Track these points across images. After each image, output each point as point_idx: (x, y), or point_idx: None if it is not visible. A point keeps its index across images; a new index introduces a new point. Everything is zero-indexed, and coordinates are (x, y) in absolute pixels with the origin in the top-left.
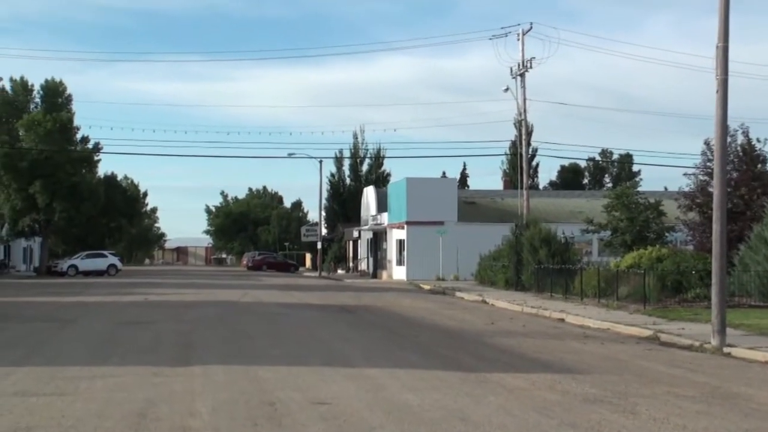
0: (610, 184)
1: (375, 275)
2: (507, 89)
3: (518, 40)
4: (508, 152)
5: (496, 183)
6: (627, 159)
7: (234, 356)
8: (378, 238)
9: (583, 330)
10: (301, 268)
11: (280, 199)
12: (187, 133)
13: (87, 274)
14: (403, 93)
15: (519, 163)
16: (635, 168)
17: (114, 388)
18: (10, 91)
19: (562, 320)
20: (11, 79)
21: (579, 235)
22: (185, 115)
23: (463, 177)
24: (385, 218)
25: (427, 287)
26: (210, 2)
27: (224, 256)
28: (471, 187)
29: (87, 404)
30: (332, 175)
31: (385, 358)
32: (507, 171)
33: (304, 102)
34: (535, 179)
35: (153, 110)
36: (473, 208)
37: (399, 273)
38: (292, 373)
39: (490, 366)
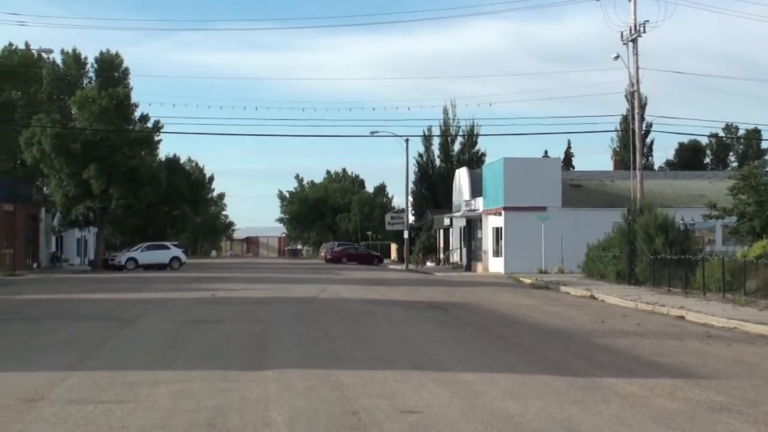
0: (735, 164)
1: (469, 268)
2: (617, 57)
3: (629, 0)
4: (618, 128)
5: (605, 163)
6: (755, 135)
7: (312, 359)
8: (472, 226)
9: (706, 329)
10: (385, 260)
11: (361, 183)
12: (258, 110)
13: (147, 267)
14: (498, 63)
15: (631, 141)
16: (764, 145)
17: (179, 395)
18: (61, 66)
19: (682, 318)
20: (62, 52)
21: (700, 222)
22: (255, 89)
23: (568, 156)
24: (479, 203)
25: (527, 281)
26: None
27: (299, 247)
28: (576, 168)
29: (149, 413)
30: (420, 155)
31: (481, 361)
32: (617, 149)
33: (387, 74)
34: (650, 158)
35: (219, 85)
36: (579, 191)
37: (496, 265)
38: (377, 378)
39: (600, 370)
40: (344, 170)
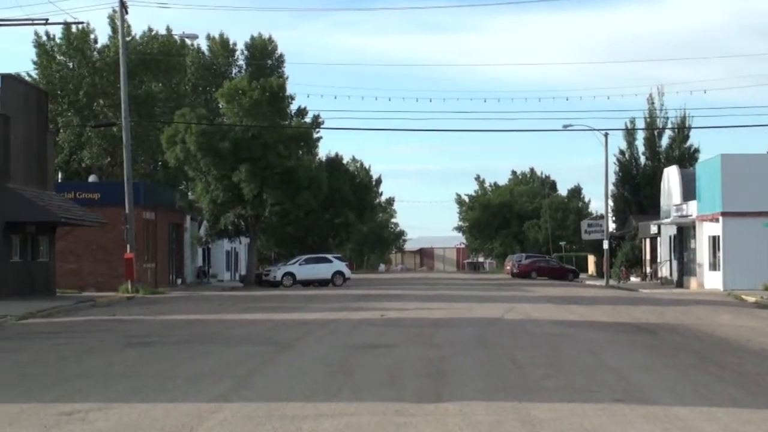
0: None
1: (680, 283)
2: None
3: None
4: None
5: None
6: None
7: (498, 390)
8: (683, 235)
9: None
10: (581, 275)
11: (552, 185)
12: (432, 102)
13: (306, 284)
14: (713, 43)
15: None
16: None
17: (346, 431)
18: (207, 53)
19: None
20: (209, 38)
21: None
22: (429, 78)
23: None
24: (692, 208)
25: (751, 299)
26: None
27: (481, 259)
28: None
29: None
30: (621, 152)
31: (697, 392)
32: None
33: (582, 58)
34: None
35: (385, 73)
36: None
37: (712, 280)
38: (574, 413)
39: None
40: (532, 170)
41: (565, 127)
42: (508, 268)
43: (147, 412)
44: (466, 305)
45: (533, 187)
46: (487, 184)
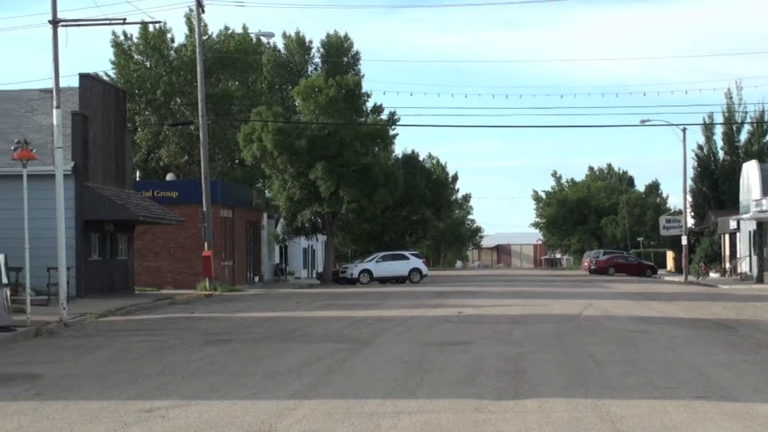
0: None
1: (761, 279)
2: None
3: None
4: None
5: None
6: None
7: (577, 387)
8: (763, 230)
9: None
10: (660, 271)
11: (630, 181)
12: (509, 98)
13: (383, 281)
14: None
15: None
16: None
17: (425, 428)
18: (283, 51)
19: None
20: (285, 36)
21: None
22: (503, 74)
23: None
24: None
25: None
26: None
27: (558, 255)
28: None
29: None
30: (699, 147)
31: None
32: None
33: (659, 52)
34: None
35: (459, 69)
36: None
37: None
38: (654, 410)
39: None
40: (609, 166)
41: (643, 122)
42: (586, 264)
43: (226, 409)
44: (544, 302)
45: (610, 183)
46: (564, 180)
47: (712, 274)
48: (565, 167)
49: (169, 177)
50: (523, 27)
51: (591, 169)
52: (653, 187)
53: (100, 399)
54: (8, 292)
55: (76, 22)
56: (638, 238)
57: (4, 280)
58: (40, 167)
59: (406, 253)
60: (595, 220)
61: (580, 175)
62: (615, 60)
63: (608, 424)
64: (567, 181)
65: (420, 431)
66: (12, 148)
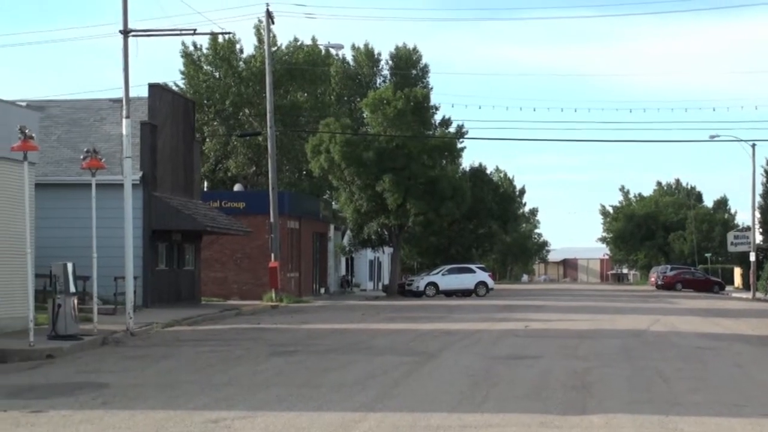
0: None
1: None
2: None
3: None
4: None
5: None
6: None
7: (644, 402)
8: None
9: None
10: (727, 287)
11: (698, 197)
12: (577, 111)
13: (449, 294)
14: None
15: None
16: None
17: None
18: (351, 63)
19: None
20: (353, 48)
21: None
22: (571, 88)
23: None
24: None
25: None
26: None
27: (625, 270)
28: None
29: None
30: None
31: None
32: None
33: (729, 66)
34: None
35: (528, 83)
36: None
37: None
38: (721, 427)
39: None
40: (677, 181)
41: (712, 138)
42: (653, 279)
43: (292, 420)
44: (611, 317)
45: (678, 198)
46: (631, 195)
47: None
48: (634, 182)
49: (237, 187)
50: (592, 40)
51: (659, 184)
52: (722, 203)
53: (166, 408)
54: (76, 301)
55: (147, 33)
56: (706, 254)
57: (72, 289)
58: (108, 176)
59: (473, 267)
60: (662, 236)
61: (648, 190)
62: (684, 74)
63: None
64: (634, 196)
65: None
66: (81, 157)
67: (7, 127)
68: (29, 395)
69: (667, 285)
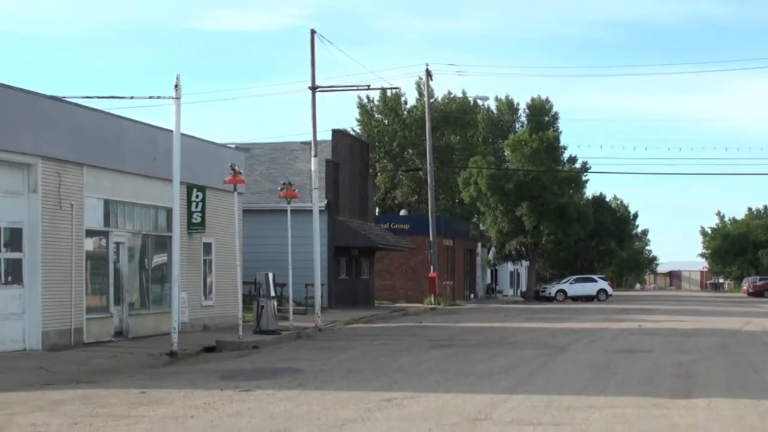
0: None
1: None
2: None
3: None
4: None
5: None
6: None
7: (739, 389)
8: None
9: None
10: None
11: None
12: (682, 150)
13: (575, 299)
14: None
15: None
16: None
17: (612, 420)
18: (495, 111)
19: None
20: (497, 99)
21: None
22: (676, 130)
23: None
24: None
25: None
26: (697, 10)
27: (721, 281)
28: None
29: None
30: None
31: None
32: None
33: None
34: None
35: (641, 126)
36: None
37: None
38: None
39: None
40: (766, 207)
41: None
42: (745, 288)
43: (449, 400)
44: (710, 318)
45: (766, 221)
46: (726, 219)
47: None
48: (728, 208)
49: (402, 213)
50: (697, 92)
51: (750, 209)
52: None
53: (348, 390)
54: (275, 304)
55: (330, 89)
56: None
57: (272, 294)
58: (300, 204)
59: (595, 277)
60: (752, 252)
61: (740, 215)
62: None
63: (767, 421)
64: (729, 219)
65: (609, 422)
66: (279, 188)
67: (220, 165)
68: (239, 378)
69: (757, 292)
